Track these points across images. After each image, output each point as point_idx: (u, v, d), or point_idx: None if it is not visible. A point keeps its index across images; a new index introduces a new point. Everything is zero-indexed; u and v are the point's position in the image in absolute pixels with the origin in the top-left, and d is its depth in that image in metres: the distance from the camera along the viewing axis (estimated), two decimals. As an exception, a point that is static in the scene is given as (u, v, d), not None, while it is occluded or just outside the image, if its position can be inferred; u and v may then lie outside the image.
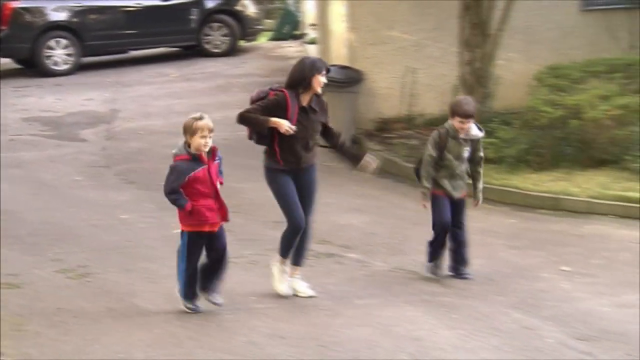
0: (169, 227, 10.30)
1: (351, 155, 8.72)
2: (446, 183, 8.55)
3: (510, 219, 11.01)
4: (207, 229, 7.60)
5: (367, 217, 11.02)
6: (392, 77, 14.44)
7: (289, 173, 8.06)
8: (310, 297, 8.11)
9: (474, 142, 8.61)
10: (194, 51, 21.47)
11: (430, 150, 8.53)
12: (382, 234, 10.23)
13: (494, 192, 11.37)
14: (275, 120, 7.86)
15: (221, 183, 7.73)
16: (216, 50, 21.45)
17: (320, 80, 7.96)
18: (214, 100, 16.88)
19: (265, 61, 21.08)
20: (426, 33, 14.39)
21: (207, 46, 21.45)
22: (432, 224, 8.65)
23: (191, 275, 7.72)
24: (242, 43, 22.35)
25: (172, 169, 7.55)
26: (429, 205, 8.62)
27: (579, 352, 6.83)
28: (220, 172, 7.73)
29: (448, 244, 8.66)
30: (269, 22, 25.18)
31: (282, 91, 7.99)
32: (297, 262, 8.26)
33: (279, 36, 24.46)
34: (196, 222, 7.58)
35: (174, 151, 7.57)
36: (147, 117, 16.26)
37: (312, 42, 21.35)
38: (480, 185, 8.79)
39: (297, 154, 8.02)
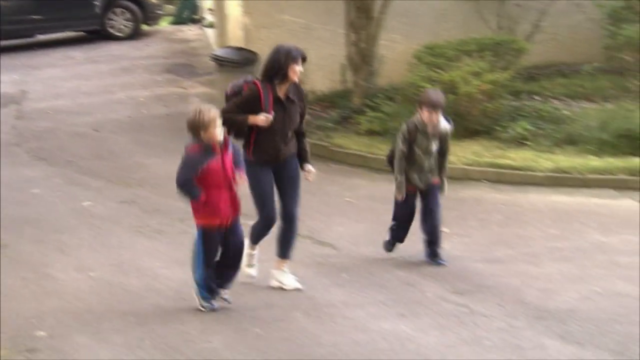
0: (78, 200, 10.21)
1: (305, 157, 7.56)
2: (415, 177, 7.96)
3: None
4: (218, 222, 6.82)
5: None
6: (284, 58, 14.41)
7: (269, 166, 7.32)
8: (297, 289, 7.41)
9: (442, 136, 7.98)
10: (99, 35, 21.06)
11: (400, 145, 7.91)
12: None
13: (381, 161, 11.43)
14: (252, 117, 7.13)
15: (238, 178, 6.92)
16: (120, 34, 21.08)
17: (297, 69, 7.19)
18: (119, 81, 16.63)
19: (167, 44, 20.84)
20: (315, 16, 14.39)
21: (111, 30, 21.07)
22: (393, 214, 8.17)
23: (207, 274, 6.94)
24: (145, 27, 22.04)
25: (185, 161, 6.77)
26: (401, 197, 7.98)
27: (456, 305, 6.97)
28: (238, 164, 6.95)
29: (422, 235, 8.08)
30: (170, 7, 24.86)
31: (254, 83, 7.22)
32: (283, 254, 7.52)
33: (179, 20, 24.17)
34: (209, 214, 6.79)
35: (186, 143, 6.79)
36: (56, 98, 15.89)
37: (210, 25, 21.18)
38: (444, 176, 8.12)
39: (276, 146, 7.27)
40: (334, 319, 6.79)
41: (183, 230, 8.59)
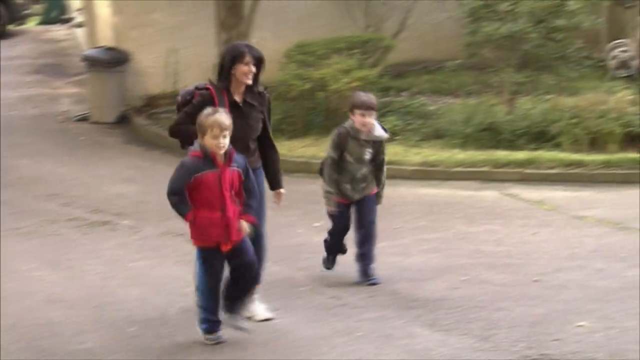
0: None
1: (274, 176, 6.69)
2: (347, 188, 7.28)
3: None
4: (212, 244, 6.03)
5: (138, 186, 10.92)
6: (156, 57, 14.29)
7: None
8: (267, 319, 6.61)
9: (376, 144, 7.30)
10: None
11: (330, 152, 7.26)
12: (152, 201, 10.14)
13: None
14: None
15: (244, 200, 6.04)
16: (-16, 35, 20.57)
17: (245, 70, 6.28)
18: (-14, 82, 16.18)
19: (35, 45, 20.38)
20: (186, 16, 14.33)
21: (-26, 31, 20.54)
22: (328, 229, 7.55)
23: (211, 299, 6.12)
24: (11, 27, 21.46)
25: (180, 165, 6.00)
26: (334, 210, 7.34)
27: (328, 297, 7.05)
28: (247, 183, 6.04)
29: (356, 250, 7.43)
30: (37, 7, 24.30)
31: (207, 88, 6.38)
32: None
33: (47, 20, 23.68)
34: (198, 235, 6.06)
35: (191, 147, 6.07)
36: None
37: (80, 25, 20.79)
38: (382, 189, 7.43)
39: None
40: (210, 316, 6.77)
41: (54, 232, 8.44)
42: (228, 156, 5.96)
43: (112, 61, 13.96)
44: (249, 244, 6.11)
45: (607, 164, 10.46)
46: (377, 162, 7.37)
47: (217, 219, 5.93)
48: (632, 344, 5.91)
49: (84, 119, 14.38)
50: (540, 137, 11.33)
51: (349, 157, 7.25)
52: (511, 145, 11.33)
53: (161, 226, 9.19)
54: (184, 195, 5.93)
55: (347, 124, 7.28)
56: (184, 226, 8.86)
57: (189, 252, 8.28)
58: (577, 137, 11.07)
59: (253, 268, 6.17)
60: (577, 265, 7.66)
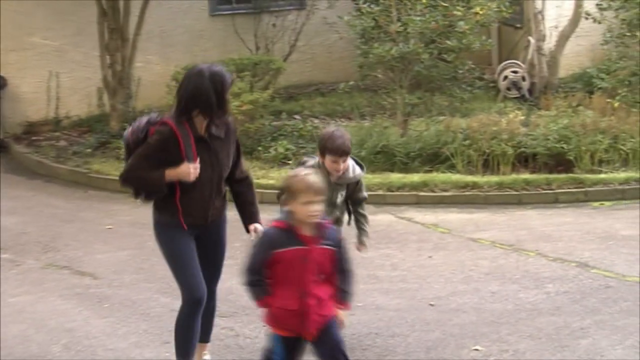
0: None
1: (251, 213, 5.85)
2: None
3: (157, 210, 11.10)
4: (287, 334, 5.18)
5: (18, 217, 10.67)
6: (36, 82, 14.03)
7: (192, 231, 5.68)
8: None
9: (351, 184, 6.47)
10: None
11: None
12: (33, 233, 9.94)
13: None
14: (172, 172, 5.46)
15: (341, 291, 5.22)
16: None
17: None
18: None
19: None
20: (67, 39, 14.13)
21: None
22: None
23: None
24: None
25: (259, 239, 5.24)
26: None
27: (221, 328, 7.02)
28: (340, 263, 5.17)
29: None
30: None
31: (165, 123, 5.48)
32: (203, 338, 6.09)
33: None
34: (275, 325, 5.21)
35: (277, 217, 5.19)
36: None
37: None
38: (366, 227, 6.66)
39: (206, 204, 5.64)
40: (95, 352, 6.69)
41: None
42: (319, 230, 5.03)
43: (-11, 87, 13.70)
44: (335, 328, 5.22)
45: (500, 186, 10.71)
46: (356, 200, 6.55)
47: (295, 308, 5.02)
48: (526, 366, 6.06)
49: (-41, 148, 14.05)
50: (434, 158, 11.54)
51: None
52: (405, 167, 11.50)
53: (43, 259, 9.02)
54: (262, 276, 5.05)
55: (313, 162, 6.31)
56: (67, 258, 8.82)
57: (74, 285, 8.20)
58: (470, 159, 11.32)
59: (342, 354, 5.24)
60: (472, 288, 7.82)
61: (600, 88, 13.11)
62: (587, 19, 13.25)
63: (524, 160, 11.36)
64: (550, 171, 11.09)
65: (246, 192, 5.88)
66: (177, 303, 7.56)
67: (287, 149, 12.03)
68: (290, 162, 11.81)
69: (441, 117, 12.31)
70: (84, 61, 14.01)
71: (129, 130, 5.67)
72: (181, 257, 5.71)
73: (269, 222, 5.21)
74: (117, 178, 12.27)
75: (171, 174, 5.48)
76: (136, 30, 13.18)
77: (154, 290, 8.02)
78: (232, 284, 7.98)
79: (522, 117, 11.89)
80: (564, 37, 14.10)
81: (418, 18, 11.63)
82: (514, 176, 10.95)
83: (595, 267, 8.15)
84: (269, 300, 5.10)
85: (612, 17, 12.79)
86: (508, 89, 14.33)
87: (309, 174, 5.07)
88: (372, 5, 12.07)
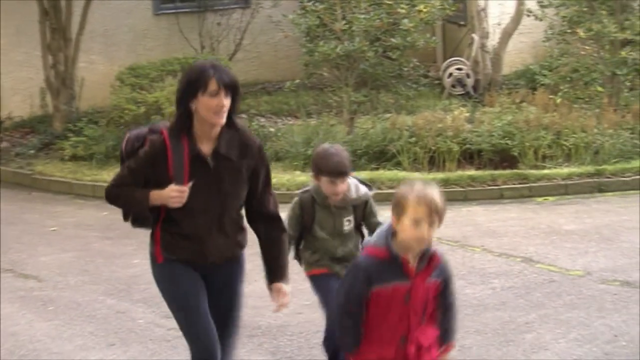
0: None
1: (273, 267, 4.72)
2: (329, 264, 5.58)
3: (103, 211, 10.94)
4: None
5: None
6: (-24, 83, 13.87)
7: (191, 266, 4.58)
8: None
9: (358, 207, 5.60)
10: None
11: (288, 228, 5.16)
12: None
13: (86, 187, 11.38)
14: (157, 195, 4.43)
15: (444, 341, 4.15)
16: None
17: (211, 103, 4.37)
18: None
19: None
20: (8, 38, 13.93)
21: None
22: (324, 314, 5.67)
23: None
24: None
25: (352, 270, 4.09)
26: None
27: (167, 330, 6.94)
28: (447, 296, 4.14)
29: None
30: None
31: (160, 132, 4.49)
32: None
33: None
34: None
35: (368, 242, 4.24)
36: None
37: None
38: None
39: (201, 240, 4.51)
40: (40, 355, 6.61)
41: None
42: (429, 260, 4.04)
43: None
44: None
45: (446, 182, 10.77)
46: (371, 226, 5.58)
47: (392, 354, 4.00)
48: (472, 361, 6.11)
49: None
50: (381, 156, 11.57)
51: (320, 232, 5.55)
52: (352, 165, 11.48)
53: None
54: (359, 318, 3.97)
55: (310, 188, 5.58)
56: (11, 261, 8.70)
57: (18, 288, 8.09)
58: (416, 156, 11.37)
59: None
60: (419, 285, 7.85)
61: (542, 84, 13.27)
62: (528, 16, 13.38)
63: (469, 156, 11.44)
64: (495, 167, 11.17)
65: (272, 242, 4.69)
66: (123, 305, 7.59)
67: (233, 148, 11.98)
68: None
69: (387, 115, 12.36)
70: (25, 61, 13.84)
71: (126, 137, 4.69)
72: (185, 300, 4.58)
73: (363, 247, 4.22)
74: (61, 179, 12.25)
75: (155, 196, 4.46)
76: (79, 30, 13.05)
77: (100, 292, 7.95)
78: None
79: (467, 114, 11.97)
80: (506, 35, 14.23)
81: (362, 16, 11.66)
82: (459, 173, 11.02)
83: (539, 261, 8.23)
84: (362, 349, 4.01)
85: (553, 15, 12.93)
86: (453, 86, 14.43)
87: (423, 185, 4.06)
88: (316, 4, 12.07)
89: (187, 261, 4.54)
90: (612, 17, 12.19)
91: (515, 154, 11.19)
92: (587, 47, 12.66)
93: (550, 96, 12.45)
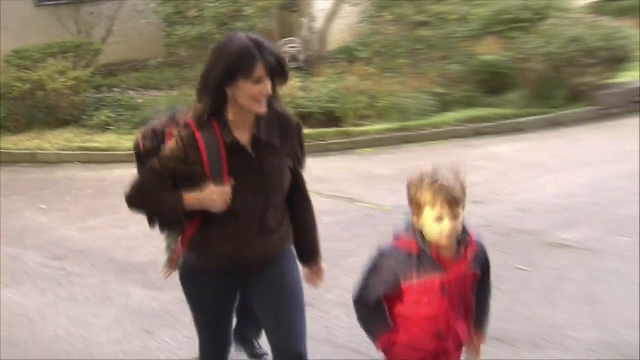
0: None
1: (309, 242, 3.56)
2: None
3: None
4: None
5: None
6: None
7: (225, 277, 3.35)
8: None
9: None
10: None
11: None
12: None
13: None
14: (194, 197, 3.14)
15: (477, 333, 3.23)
16: None
17: (255, 91, 3.05)
18: None
19: None
20: None
21: None
22: None
23: None
24: None
25: (374, 262, 3.25)
26: None
27: (54, 269, 6.71)
28: (485, 282, 3.20)
29: None
30: None
31: (187, 124, 3.16)
32: None
33: None
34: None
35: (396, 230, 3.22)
36: None
37: None
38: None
39: (242, 243, 3.23)
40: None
41: None
42: (464, 247, 3.07)
43: None
44: None
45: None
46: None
47: (431, 348, 3.12)
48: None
49: None
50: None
51: None
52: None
53: None
54: (380, 308, 3.16)
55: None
56: None
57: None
58: (259, 119, 11.28)
59: None
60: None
61: (359, 58, 13.36)
62: (346, 3, 13.41)
63: (303, 118, 11.36)
64: (324, 126, 11.20)
65: (305, 217, 3.51)
66: (15, 250, 7.23)
67: (108, 117, 11.60)
68: (111, 127, 11.43)
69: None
70: None
71: (139, 135, 3.53)
72: (205, 316, 3.47)
73: (389, 238, 3.24)
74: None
75: (191, 200, 3.16)
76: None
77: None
78: (63, 232, 7.64)
79: (300, 84, 11.94)
80: (329, 18, 14.24)
81: (212, 5, 11.44)
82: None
83: (360, 201, 8.31)
84: (391, 338, 3.16)
85: (365, 1, 13.00)
86: (288, 61, 14.35)
87: (437, 177, 3.03)
88: (173, -5, 11.77)
89: (224, 269, 3.31)
90: (411, 3, 12.35)
91: (340, 115, 11.25)
92: (392, 28, 12.81)
93: (365, 67, 12.55)
